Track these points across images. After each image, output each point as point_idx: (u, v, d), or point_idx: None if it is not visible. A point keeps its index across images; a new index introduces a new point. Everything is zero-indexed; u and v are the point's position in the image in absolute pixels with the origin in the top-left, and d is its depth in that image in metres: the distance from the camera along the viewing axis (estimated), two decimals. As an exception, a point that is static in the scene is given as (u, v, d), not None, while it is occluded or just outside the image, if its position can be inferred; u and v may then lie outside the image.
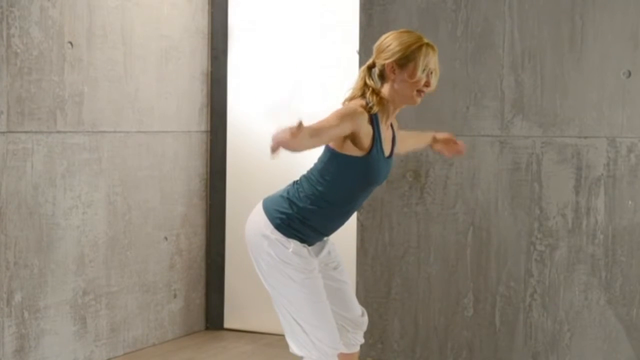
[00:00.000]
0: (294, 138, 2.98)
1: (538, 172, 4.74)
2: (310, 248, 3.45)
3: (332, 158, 3.36)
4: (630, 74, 4.56)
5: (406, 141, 3.82)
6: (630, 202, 4.58)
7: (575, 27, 4.66)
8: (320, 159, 3.43)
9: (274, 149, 2.98)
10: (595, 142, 4.64)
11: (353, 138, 3.30)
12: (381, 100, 3.36)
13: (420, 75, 3.36)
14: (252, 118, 5.85)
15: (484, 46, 4.83)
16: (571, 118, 4.68)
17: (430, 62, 3.38)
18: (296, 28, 5.77)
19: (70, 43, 4.85)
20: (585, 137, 4.66)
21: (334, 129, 3.21)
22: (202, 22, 5.80)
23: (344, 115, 3.26)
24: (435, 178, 4.94)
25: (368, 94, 3.37)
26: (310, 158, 3.50)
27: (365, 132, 3.31)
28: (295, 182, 3.49)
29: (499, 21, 4.80)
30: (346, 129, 3.25)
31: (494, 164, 4.83)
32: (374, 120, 3.34)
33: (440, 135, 3.94)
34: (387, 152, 3.42)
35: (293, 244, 3.39)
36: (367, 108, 3.33)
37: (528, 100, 4.75)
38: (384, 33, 3.52)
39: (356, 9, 5.16)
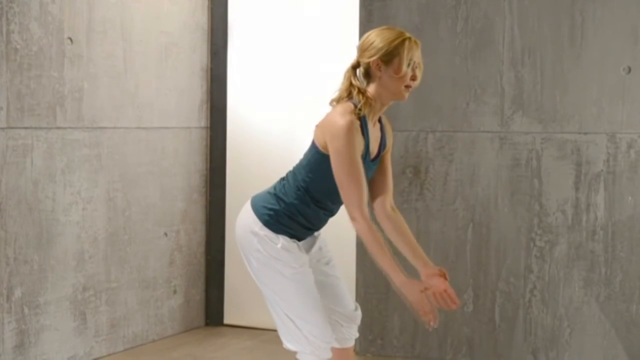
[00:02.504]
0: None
1: (538, 168, 4.74)
2: (300, 243, 3.46)
3: (317, 157, 3.36)
4: (630, 70, 4.56)
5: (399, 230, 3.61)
6: (630, 198, 4.59)
7: (575, 23, 4.66)
8: (305, 155, 3.43)
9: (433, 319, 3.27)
10: (595, 138, 4.64)
11: None
12: (368, 100, 3.36)
13: (406, 69, 3.35)
14: (252, 114, 5.85)
15: (484, 42, 4.83)
16: (571, 114, 4.68)
17: (415, 55, 3.37)
18: (296, 24, 5.77)
19: (70, 39, 4.85)
20: (585, 133, 4.66)
21: (357, 158, 3.27)
22: (201, 18, 5.80)
23: (351, 139, 3.26)
24: (435, 174, 4.94)
25: (355, 95, 3.36)
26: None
27: (359, 142, 3.31)
28: (282, 179, 3.50)
29: (499, 17, 4.80)
30: (359, 145, 3.29)
31: (493, 160, 4.83)
32: (363, 124, 3.34)
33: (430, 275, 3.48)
34: (373, 155, 3.43)
35: (282, 240, 3.40)
36: (356, 112, 3.32)
37: (528, 96, 4.75)
38: (384, 29, 3.51)
39: (356, 5, 5.16)
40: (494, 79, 4.81)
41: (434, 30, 4.87)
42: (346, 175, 3.26)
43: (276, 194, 3.44)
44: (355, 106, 3.33)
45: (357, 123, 3.30)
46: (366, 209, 3.29)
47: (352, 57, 5.27)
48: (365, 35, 3.43)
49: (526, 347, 4.79)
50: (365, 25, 5.02)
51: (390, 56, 3.35)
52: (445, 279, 3.44)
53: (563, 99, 4.70)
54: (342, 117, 3.29)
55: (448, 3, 4.89)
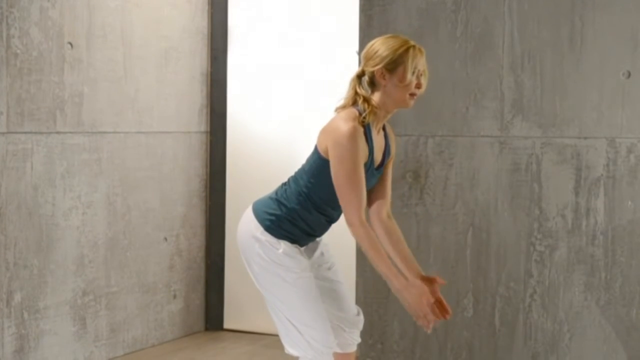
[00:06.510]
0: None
1: (538, 173, 4.74)
2: (302, 249, 3.46)
3: (319, 163, 3.36)
4: (629, 74, 4.56)
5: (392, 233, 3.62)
6: (630, 203, 4.59)
7: (574, 27, 4.66)
8: (308, 161, 3.43)
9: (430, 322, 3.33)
10: (595, 143, 4.64)
11: None
12: (373, 109, 3.36)
13: (411, 78, 3.35)
14: (251, 118, 5.86)
15: (484, 47, 4.83)
16: (571, 119, 4.68)
17: (419, 63, 3.37)
18: (296, 29, 5.77)
19: (70, 44, 4.85)
20: (585, 138, 4.66)
21: (359, 164, 3.27)
22: (201, 22, 5.80)
23: (353, 145, 3.26)
24: (435, 179, 4.94)
25: (360, 103, 3.36)
26: (310, 159, 3.51)
27: (362, 149, 3.31)
28: (284, 184, 3.50)
29: (499, 22, 4.80)
30: (362, 152, 3.29)
31: (493, 164, 4.83)
32: (367, 132, 3.34)
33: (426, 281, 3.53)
34: (377, 163, 3.43)
35: (283, 245, 3.40)
36: (361, 119, 3.32)
37: (528, 100, 4.75)
38: (384, 34, 3.51)
39: (356, 9, 5.16)
40: (493, 83, 4.81)
41: (434, 35, 4.87)
42: (346, 181, 3.25)
43: (278, 199, 3.45)
44: (360, 113, 3.33)
45: (361, 130, 3.30)
46: (364, 215, 3.30)
47: (351, 61, 5.29)
48: (370, 43, 3.43)
49: (526, 352, 4.79)
50: (365, 30, 5.02)
51: (394, 65, 3.35)
52: (437, 285, 3.45)
53: (563, 104, 4.70)
54: (346, 123, 3.28)
55: (448, 8, 4.89)
